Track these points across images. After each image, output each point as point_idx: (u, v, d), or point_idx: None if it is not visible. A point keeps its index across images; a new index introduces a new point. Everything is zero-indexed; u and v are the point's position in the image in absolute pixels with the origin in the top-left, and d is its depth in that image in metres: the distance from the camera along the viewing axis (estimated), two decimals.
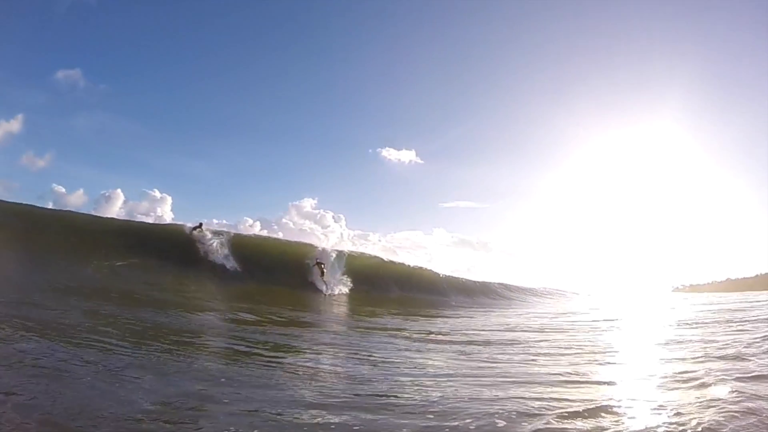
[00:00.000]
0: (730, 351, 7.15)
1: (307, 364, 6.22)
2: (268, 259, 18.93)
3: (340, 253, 21.58)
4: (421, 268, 25.11)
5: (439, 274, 25.45)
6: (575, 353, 7.66)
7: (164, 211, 42.10)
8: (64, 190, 41.26)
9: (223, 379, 4.89)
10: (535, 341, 9.26)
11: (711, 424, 3.61)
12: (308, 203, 50.60)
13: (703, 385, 4.83)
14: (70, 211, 20.82)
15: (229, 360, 6.17)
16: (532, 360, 7.05)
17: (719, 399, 4.25)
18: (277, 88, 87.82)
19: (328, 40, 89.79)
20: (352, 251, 23.23)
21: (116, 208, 37.87)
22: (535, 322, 13.29)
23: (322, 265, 18.96)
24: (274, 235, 22.34)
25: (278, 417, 3.82)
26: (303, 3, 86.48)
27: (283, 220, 43.06)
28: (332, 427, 3.62)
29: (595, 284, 35.90)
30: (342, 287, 18.83)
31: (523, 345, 8.79)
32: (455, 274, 26.65)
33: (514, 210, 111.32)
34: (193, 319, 9.08)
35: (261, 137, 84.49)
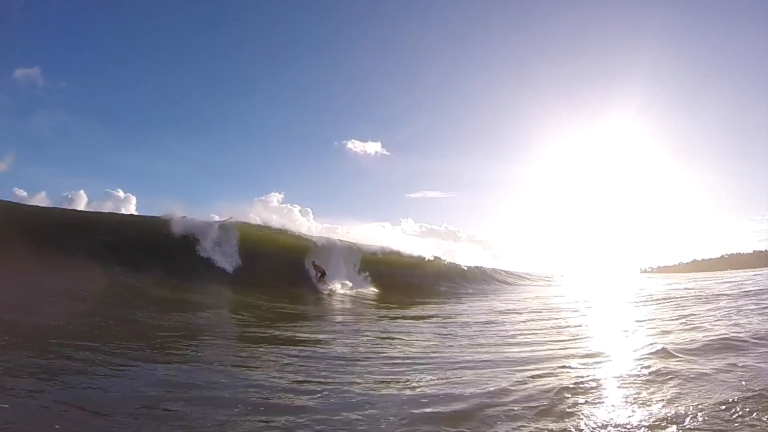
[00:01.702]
0: (690, 323, 7.81)
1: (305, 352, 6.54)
2: (270, 250, 18.02)
3: (352, 247, 20.71)
4: (432, 258, 25.55)
5: (443, 262, 26.36)
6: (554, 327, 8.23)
7: (129, 211, 41.27)
8: (25, 193, 39.74)
9: (217, 364, 5.21)
10: (516, 322, 9.82)
11: (660, 388, 4.12)
12: (275, 198, 50.15)
13: (661, 353, 5.35)
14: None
15: (231, 351, 6.43)
16: (512, 336, 7.61)
17: (671, 367, 4.75)
18: (240, 83, 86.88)
19: (290, 34, 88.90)
20: (362, 243, 22.41)
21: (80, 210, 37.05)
22: (514, 305, 13.88)
23: (319, 267, 17.28)
24: None
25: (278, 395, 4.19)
26: None
27: (250, 216, 42.66)
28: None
29: (562, 269, 36.63)
30: (347, 285, 17.49)
31: (498, 325, 9.35)
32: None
33: (480, 199, 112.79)
34: (195, 314, 9.12)
35: (224, 133, 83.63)
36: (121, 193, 45.17)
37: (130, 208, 40.20)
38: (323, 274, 17.04)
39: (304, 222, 21.40)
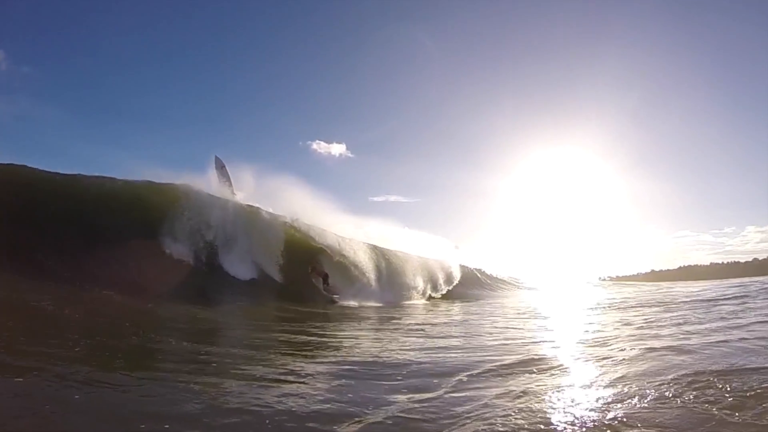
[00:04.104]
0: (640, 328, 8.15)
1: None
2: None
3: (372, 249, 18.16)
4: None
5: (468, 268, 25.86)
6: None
7: None
8: None
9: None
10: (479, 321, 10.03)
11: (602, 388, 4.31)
12: (238, 196, 49.13)
13: (607, 356, 5.59)
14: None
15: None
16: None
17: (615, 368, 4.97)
18: (206, 78, 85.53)
19: (259, 30, 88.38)
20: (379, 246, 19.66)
21: None
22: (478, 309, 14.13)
23: (320, 270, 15.04)
24: None
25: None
26: None
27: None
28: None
29: (524, 277, 36.89)
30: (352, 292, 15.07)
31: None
32: None
33: (442, 206, 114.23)
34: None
35: (188, 129, 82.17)
36: None
37: None
38: (325, 278, 14.84)
39: None
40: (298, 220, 17.04)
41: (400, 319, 11.08)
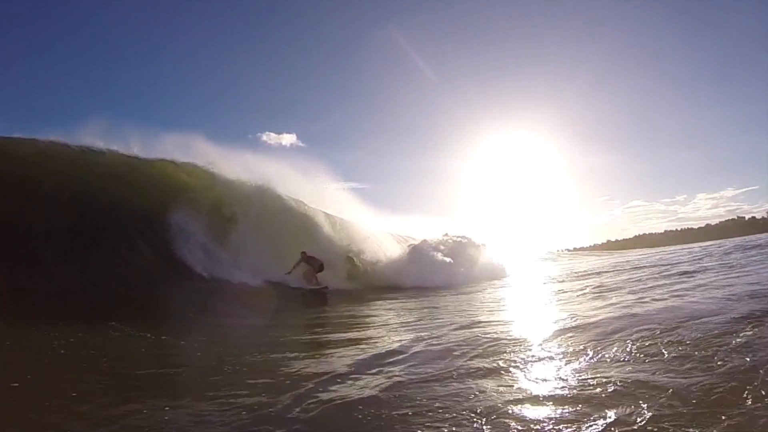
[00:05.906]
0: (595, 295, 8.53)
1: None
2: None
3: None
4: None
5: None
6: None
7: None
8: None
9: None
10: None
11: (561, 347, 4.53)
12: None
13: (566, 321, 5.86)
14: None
15: None
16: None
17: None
18: (153, 71, 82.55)
19: (207, 23, 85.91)
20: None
21: None
22: None
23: (315, 259, 12.61)
24: None
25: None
26: None
27: None
28: None
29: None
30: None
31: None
32: None
33: (395, 190, 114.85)
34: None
35: (132, 122, 78.69)
36: None
37: None
38: (320, 268, 12.61)
39: None
40: (333, 217, 16.48)
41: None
